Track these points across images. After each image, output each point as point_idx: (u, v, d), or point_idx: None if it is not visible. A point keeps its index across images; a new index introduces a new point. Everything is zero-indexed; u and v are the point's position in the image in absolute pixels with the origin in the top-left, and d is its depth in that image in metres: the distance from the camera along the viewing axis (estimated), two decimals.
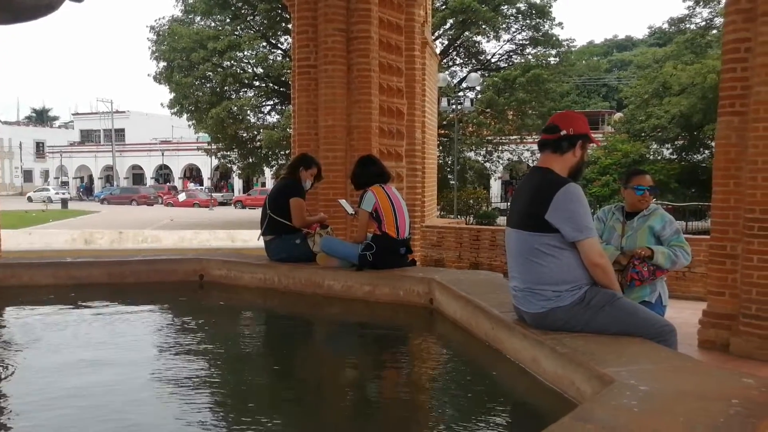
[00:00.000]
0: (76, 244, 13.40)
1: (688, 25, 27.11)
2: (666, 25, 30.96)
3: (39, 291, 4.33)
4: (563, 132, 2.62)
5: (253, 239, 6.09)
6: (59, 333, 3.35)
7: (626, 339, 2.44)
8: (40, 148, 64.31)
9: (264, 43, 23.87)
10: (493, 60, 26.04)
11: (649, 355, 2.27)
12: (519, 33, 24.87)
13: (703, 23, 25.98)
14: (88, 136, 63.20)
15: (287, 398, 2.56)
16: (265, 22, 22.96)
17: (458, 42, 24.75)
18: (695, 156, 24.83)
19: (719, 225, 5.31)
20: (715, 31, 24.09)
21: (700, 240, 7.50)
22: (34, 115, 78.92)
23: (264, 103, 25.50)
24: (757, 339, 4.83)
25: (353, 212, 4.66)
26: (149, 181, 55.68)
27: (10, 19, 3.14)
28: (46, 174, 61.25)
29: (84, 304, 4.07)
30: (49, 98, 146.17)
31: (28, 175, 63.55)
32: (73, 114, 67.37)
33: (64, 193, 46.84)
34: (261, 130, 23.59)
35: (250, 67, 23.68)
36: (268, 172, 35.39)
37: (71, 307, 4.03)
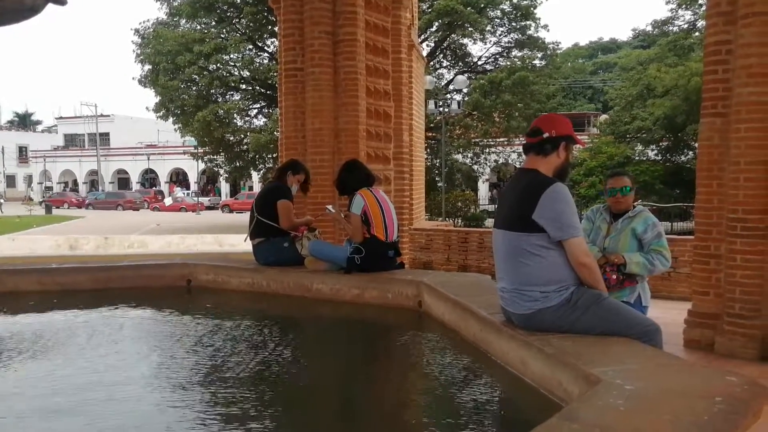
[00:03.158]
0: (61, 249, 13.26)
1: (671, 28, 27.46)
2: (650, 28, 31.34)
3: (24, 298, 4.28)
4: (545, 135, 2.66)
5: (240, 243, 6.08)
6: (45, 341, 3.32)
7: (612, 339, 2.47)
8: (23, 153, 63.50)
9: (250, 46, 23.79)
10: (479, 62, 26.17)
11: (634, 355, 2.30)
12: (505, 35, 25.04)
13: (686, 25, 26.34)
14: (72, 141, 62.54)
15: (276, 401, 2.55)
16: (252, 24, 22.88)
17: (445, 44, 24.84)
18: (679, 157, 25.13)
19: (703, 225, 5.38)
20: (697, 34, 24.40)
21: (685, 240, 7.59)
22: (16, 119, 77.91)
23: (251, 107, 25.40)
24: (740, 338, 4.89)
25: (343, 216, 4.67)
26: (135, 186, 55.22)
27: None
28: (29, 179, 60.54)
29: (70, 310, 4.03)
30: (31, 102, 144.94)
31: (10, 180, 62.74)
32: (56, 118, 66.64)
33: None
34: (248, 134, 23.49)
35: (236, 70, 23.59)
36: (255, 176, 35.26)
37: (57, 314, 3.99)
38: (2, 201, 41.98)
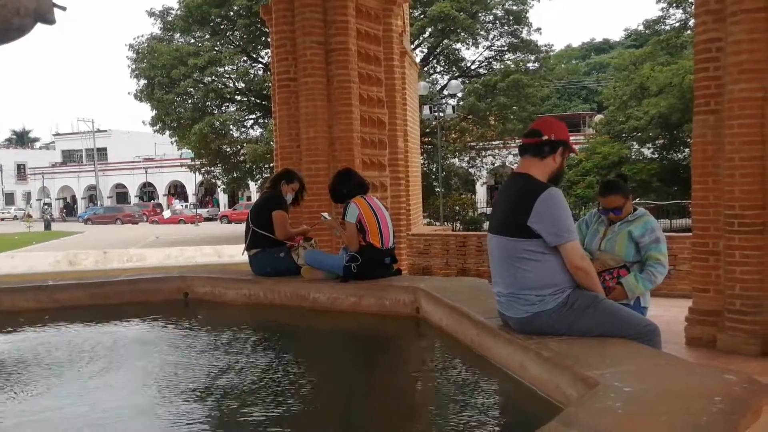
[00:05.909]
0: (60, 266, 13.18)
1: (663, 27, 27.51)
2: (641, 27, 31.39)
3: (21, 316, 4.25)
4: (545, 137, 2.65)
5: (239, 254, 6.10)
6: (43, 360, 3.29)
7: (609, 340, 2.46)
8: (21, 170, 63.56)
9: (244, 58, 23.86)
10: (473, 67, 26.22)
11: (631, 356, 2.28)
12: (497, 39, 25.08)
13: (678, 24, 26.38)
14: (69, 157, 62.60)
15: (277, 413, 2.53)
16: (245, 36, 22.95)
17: (438, 50, 24.89)
18: (676, 155, 25.12)
19: (700, 222, 5.37)
20: (689, 32, 24.44)
21: (684, 238, 7.58)
22: (14, 137, 77.99)
23: (246, 118, 25.42)
24: (742, 334, 4.87)
25: (339, 223, 4.66)
26: (133, 200, 55.21)
27: None
28: (28, 196, 60.52)
29: (67, 328, 4.00)
30: (29, 120, 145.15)
31: (9, 198, 62.74)
32: (54, 134, 66.76)
33: None
34: (244, 145, 23.51)
35: (231, 81, 23.62)
36: (252, 186, 35.25)
37: (54, 331, 3.97)
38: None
